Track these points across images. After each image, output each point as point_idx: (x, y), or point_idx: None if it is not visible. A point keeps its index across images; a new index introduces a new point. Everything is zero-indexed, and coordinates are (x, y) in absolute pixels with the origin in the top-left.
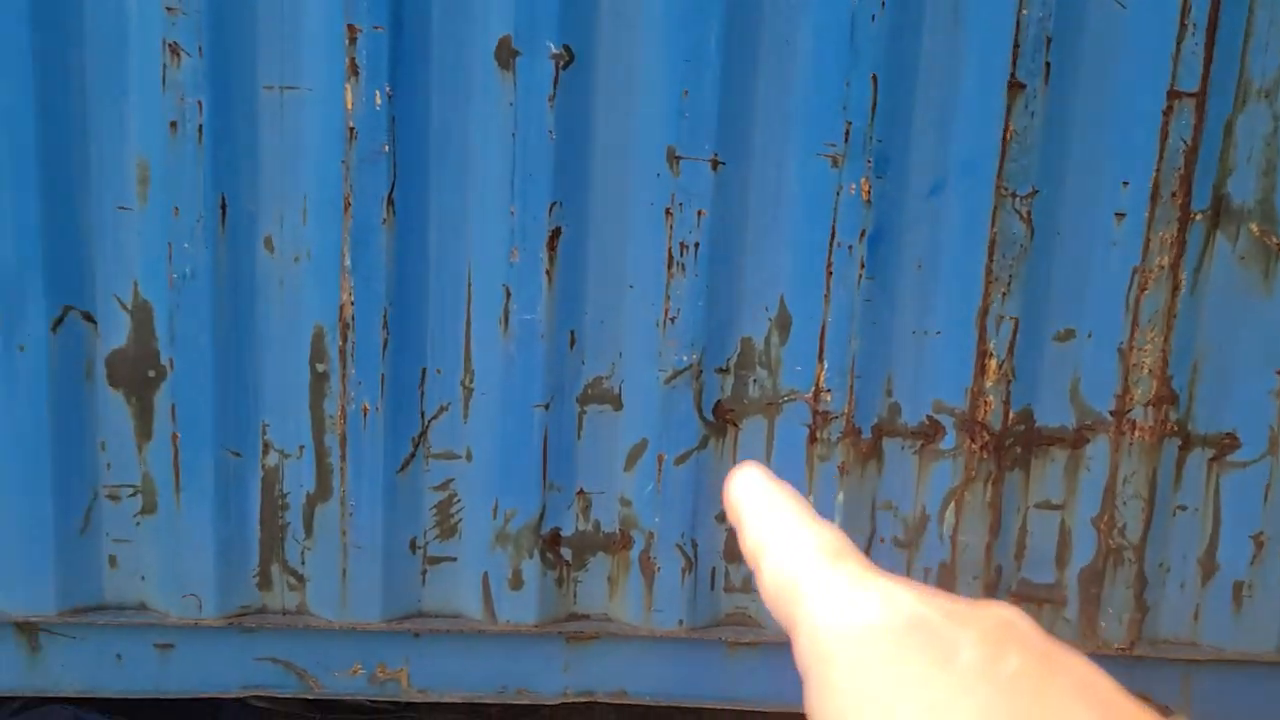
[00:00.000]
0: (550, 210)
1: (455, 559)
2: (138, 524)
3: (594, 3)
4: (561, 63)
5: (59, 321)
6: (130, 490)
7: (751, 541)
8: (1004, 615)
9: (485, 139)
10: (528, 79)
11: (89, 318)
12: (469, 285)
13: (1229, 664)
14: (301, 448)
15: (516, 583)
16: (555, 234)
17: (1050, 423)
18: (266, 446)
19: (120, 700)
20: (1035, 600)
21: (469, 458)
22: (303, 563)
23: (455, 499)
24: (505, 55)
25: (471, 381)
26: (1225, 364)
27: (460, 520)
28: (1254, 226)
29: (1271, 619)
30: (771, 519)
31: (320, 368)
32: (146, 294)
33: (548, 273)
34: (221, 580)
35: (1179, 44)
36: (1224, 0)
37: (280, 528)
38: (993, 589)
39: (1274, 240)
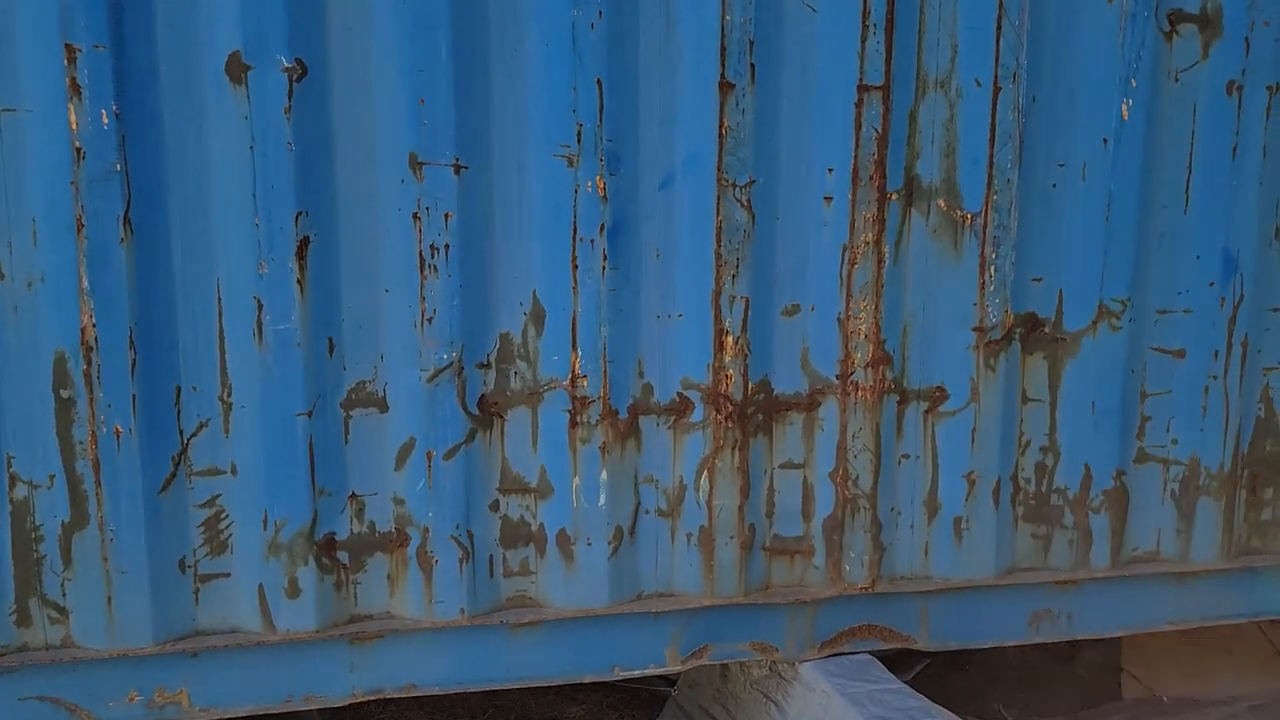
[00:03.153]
0: (296, 220)
1: (229, 574)
2: None
3: (322, 17)
4: (295, 76)
5: None
6: None
7: None
8: None
9: (223, 153)
10: (261, 93)
11: None
12: (219, 299)
13: (956, 591)
14: (52, 477)
15: (294, 591)
16: (304, 243)
17: (786, 390)
18: (13, 479)
19: None
20: (787, 553)
21: (234, 472)
22: (64, 594)
23: (223, 514)
24: (236, 70)
25: (230, 395)
26: (929, 325)
27: (230, 535)
28: (941, 202)
29: (986, 547)
30: None
31: (65, 394)
32: None
33: (299, 282)
34: None
35: (863, 43)
36: (898, 2)
37: (35, 561)
38: (748, 546)
39: (959, 213)
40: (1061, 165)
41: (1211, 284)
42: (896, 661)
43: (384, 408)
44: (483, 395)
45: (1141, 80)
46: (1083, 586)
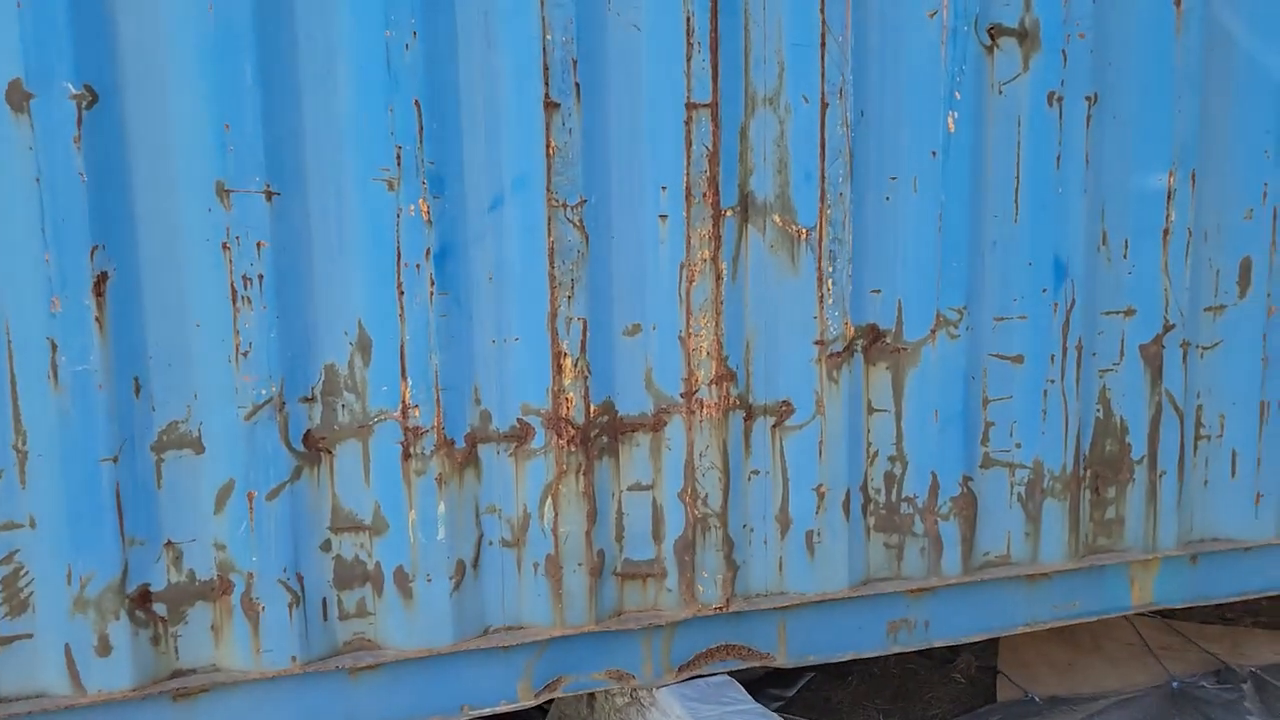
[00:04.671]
0: (92, 254)
1: (30, 635)
2: None
3: (113, 40)
4: (84, 103)
5: None
6: None
7: None
8: None
9: (6, 186)
10: (46, 122)
11: None
12: (8, 342)
13: (812, 605)
14: None
15: (104, 649)
16: (101, 278)
17: (631, 411)
18: None
19: None
20: (639, 577)
21: (33, 525)
22: None
23: (22, 571)
24: (17, 99)
25: (24, 444)
26: (772, 340)
27: (31, 593)
28: (777, 218)
29: (839, 560)
30: None
31: None
32: None
33: (98, 320)
34: None
35: (688, 61)
36: (721, 20)
37: None
38: (597, 572)
39: (794, 228)
40: (893, 178)
41: (1044, 290)
42: (779, 679)
43: (199, 449)
44: (308, 430)
45: (966, 93)
46: (937, 593)
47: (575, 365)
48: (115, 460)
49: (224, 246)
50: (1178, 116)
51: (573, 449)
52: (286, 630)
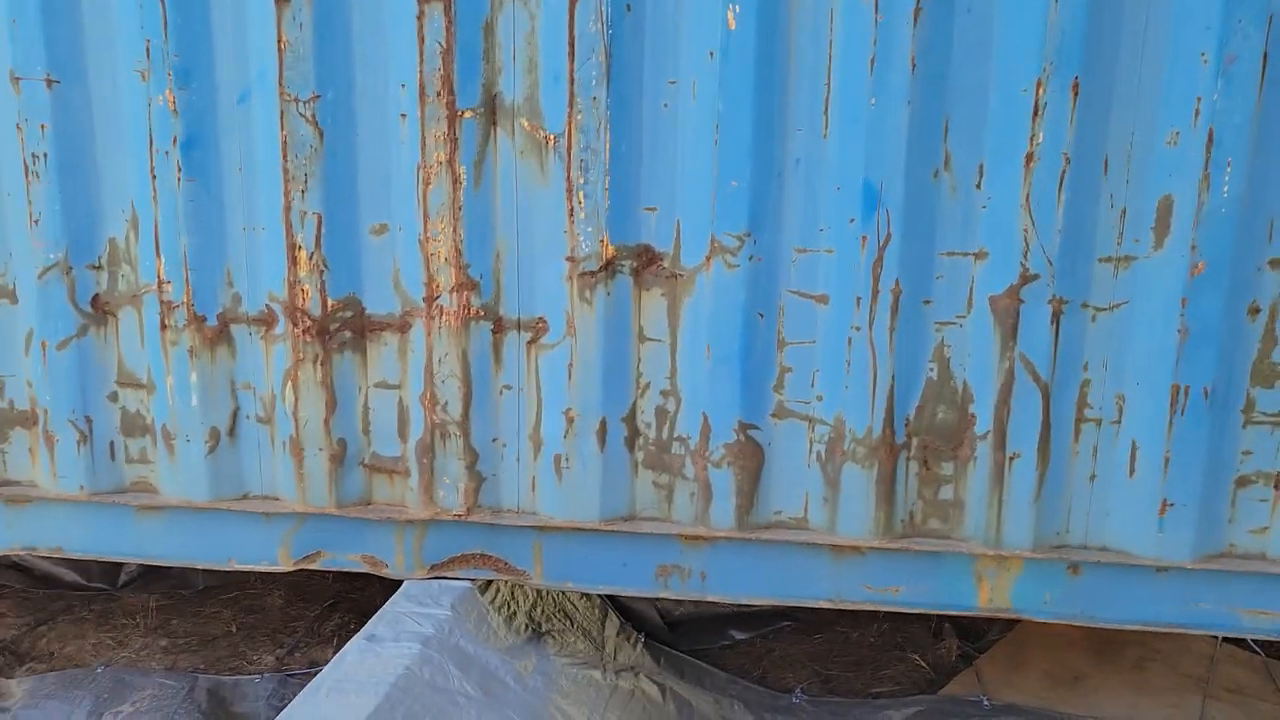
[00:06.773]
0: None
1: None
2: None
3: None
4: None
5: None
6: None
7: None
8: None
9: None
10: None
11: None
12: None
13: (573, 531)
14: None
15: None
16: None
17: (379, 310)
18: None
19: None
20: (386, 471)
21: None
22: None
23: None
24: None
25: None
26: (525, 252)
27: None
28: (525, 122)
29: (590, 489)
30: None
31: None
32: None
33: None
34: None
35: None
36: None
37: None
38: (338, 459)
39: (542, 134)
40: (673, 82)
41: (851, 220)
42: (744, 621)
43: (14, 300)
44: (96, 294)
45: None
46: (717, 545)
47: (310, 258)
48: None
49: (17, 127)
50: (1056, 4)
51: (309, 339)
52: (75, 463)
